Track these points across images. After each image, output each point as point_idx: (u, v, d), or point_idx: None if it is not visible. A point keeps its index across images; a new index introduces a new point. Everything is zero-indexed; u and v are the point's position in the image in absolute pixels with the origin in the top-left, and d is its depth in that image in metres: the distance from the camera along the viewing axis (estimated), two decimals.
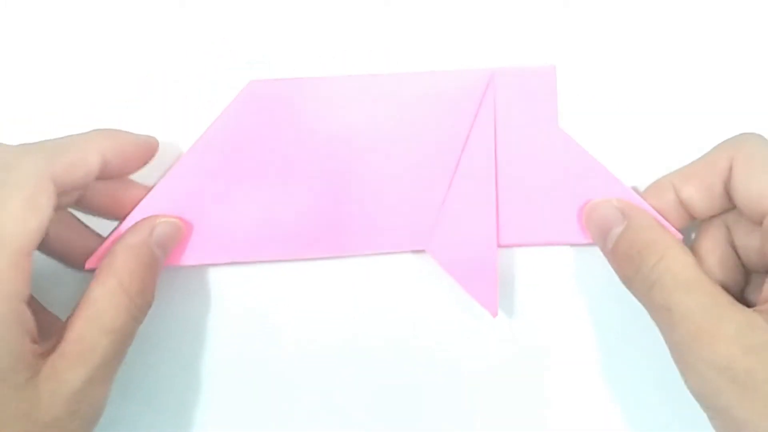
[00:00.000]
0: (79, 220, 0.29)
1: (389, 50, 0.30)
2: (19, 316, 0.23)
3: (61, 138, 0.25)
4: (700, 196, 0.27)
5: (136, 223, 0.27)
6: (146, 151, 0.28)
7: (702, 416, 0.24)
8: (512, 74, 0.29)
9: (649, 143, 0.30)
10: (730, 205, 0.27)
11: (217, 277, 0.30)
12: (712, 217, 0.27)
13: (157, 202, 0.28)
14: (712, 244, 0.27)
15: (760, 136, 0.26)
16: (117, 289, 0.25)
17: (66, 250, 0.28)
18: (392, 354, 0.30)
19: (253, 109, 0.29)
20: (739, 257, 0.27)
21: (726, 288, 0.25)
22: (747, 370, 0.22)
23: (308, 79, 0.29)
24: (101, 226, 0.29)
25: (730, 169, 0.26)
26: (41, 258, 0.28)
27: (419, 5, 0.30)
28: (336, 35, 0.30)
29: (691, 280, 0.24)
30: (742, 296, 0.27)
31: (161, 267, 0.27)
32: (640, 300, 0.26)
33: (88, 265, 0.27)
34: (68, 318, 0.25)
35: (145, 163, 0.28)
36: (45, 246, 0.27)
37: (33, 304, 0.25)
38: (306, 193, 0.29)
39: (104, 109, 0.30)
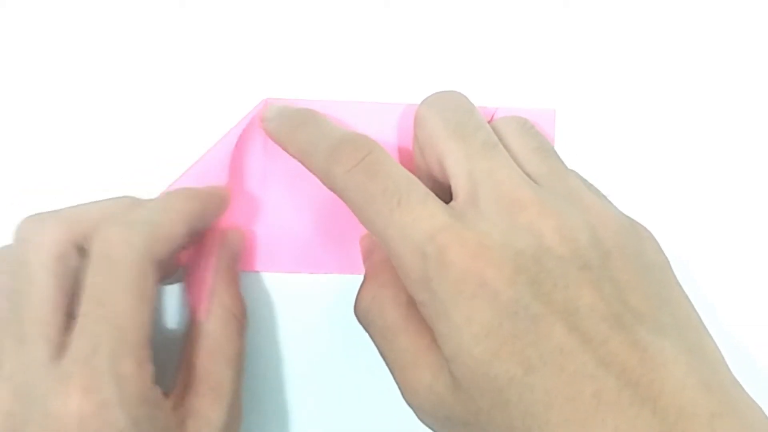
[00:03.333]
0: None
1: (388, 50, 0.30)
2: (155, 407, 0.22)
3: (147, 211, 0.24)
4: None
5: (212, 247, 0.27)
6: (221, 207, 0.27)
7: None
8: (514, 113, 0.29)
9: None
10: None
11: None
12: None
13: None
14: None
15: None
16: (227, 315, 0.26)
17: None
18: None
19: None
20: None
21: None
22: (445, 417, 0.22)
23: (322, 101, 0.29)
24: None
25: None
26: None
27: (418, 4, 0.30)
28: (336, 36, 0.30)
29: (394, 324, 0.24)
30: None
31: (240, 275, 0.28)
32: None
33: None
34: (186, 355, 0.25)
35: (218, 217, 0.27)
36: None
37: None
38: (310, 211, 0.29)
39: (104, 109, 0.30)
